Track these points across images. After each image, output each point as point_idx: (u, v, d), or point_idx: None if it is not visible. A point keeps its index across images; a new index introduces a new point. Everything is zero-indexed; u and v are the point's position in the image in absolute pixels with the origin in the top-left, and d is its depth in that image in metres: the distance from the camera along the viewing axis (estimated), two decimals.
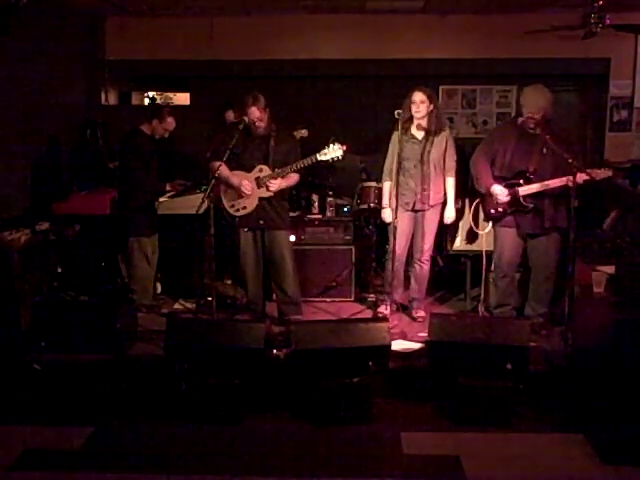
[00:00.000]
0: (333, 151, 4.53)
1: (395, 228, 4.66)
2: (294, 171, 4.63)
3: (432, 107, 4.77)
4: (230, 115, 5.80)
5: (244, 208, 4.72)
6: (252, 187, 4.66)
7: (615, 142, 7.36)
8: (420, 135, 4.84)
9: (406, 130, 4.81)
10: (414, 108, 4.75)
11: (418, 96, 4.74)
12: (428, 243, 4.94)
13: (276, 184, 4.62)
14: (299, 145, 4.89)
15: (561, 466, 3.27)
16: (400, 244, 4.82)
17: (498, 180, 4.66)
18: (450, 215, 4.91)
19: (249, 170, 4.68)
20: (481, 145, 4.84)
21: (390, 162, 4.92)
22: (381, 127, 5.09)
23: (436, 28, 7.13)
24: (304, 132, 5.95)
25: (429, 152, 4.79)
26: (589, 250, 5.05)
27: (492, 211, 4.74)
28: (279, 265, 4.81)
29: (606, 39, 6.55)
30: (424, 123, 4.80)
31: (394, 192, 4.81)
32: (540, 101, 4.49)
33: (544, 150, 4.53)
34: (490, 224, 4.90)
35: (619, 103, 7.34)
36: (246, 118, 4.59)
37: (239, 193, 4.69)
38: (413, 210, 4.89)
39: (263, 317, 4.92)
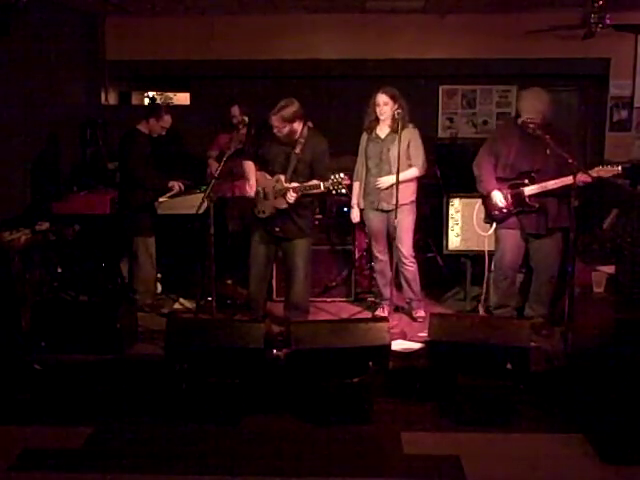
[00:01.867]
0: (337, 181, 4.31)
1: (368, 228, 4.88)
2: (305, 189, 4.47)
3: (396, 107, 4.76)
4: (236, 110, 5.74)
5: (263, 212, 4.65)
6: (256, 191, 4.59)
7: (615, 142, 7.35)
8: (383, 134, 4.86)
9: (371, 130, 4.89)
10: (378, 110, 4.79)
11: (381, 98, 4.76)
12: (404, 244, 4.89)
13: (293, 197, 4.48)
14: (327, 153, 4.63)
15: (561, 466, 3.27)
16: (375, 243, 4.95)
17: (501, 181, 4.64)
18: (386, 180, 4.76)
19: (271, 174, 4.59)
20: (484, 146, 4.81)
21: (358, 163, 5.00)
22: None
23: (436, 28, 7.13)
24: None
25: (388, 150, 4.80)
26: (589, 250, 5.05)
27: (496, 212, 4.70)
28: (290, 272, 4.74)
29: (606, 39, 6.56)
30: (388, 123, 4.83)
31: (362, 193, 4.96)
32: (537, 105, 4.47)
33: (547, 151, 4.48)
34: (494, 225, 4.81)
35: (619, 103, 7.34)
36: (246, 118, 4.58)
37: (263, 194, 4.62)
38: (379, 210, 4.89)
39: (264, 317, 4.90)
